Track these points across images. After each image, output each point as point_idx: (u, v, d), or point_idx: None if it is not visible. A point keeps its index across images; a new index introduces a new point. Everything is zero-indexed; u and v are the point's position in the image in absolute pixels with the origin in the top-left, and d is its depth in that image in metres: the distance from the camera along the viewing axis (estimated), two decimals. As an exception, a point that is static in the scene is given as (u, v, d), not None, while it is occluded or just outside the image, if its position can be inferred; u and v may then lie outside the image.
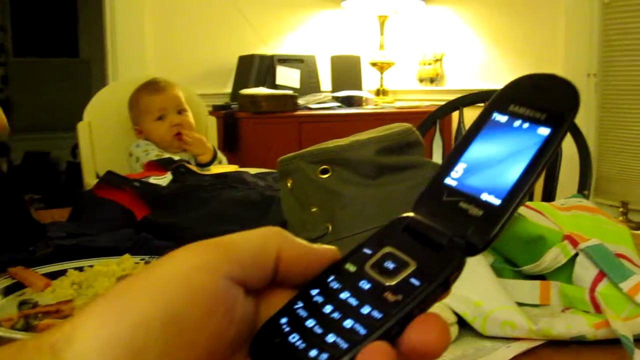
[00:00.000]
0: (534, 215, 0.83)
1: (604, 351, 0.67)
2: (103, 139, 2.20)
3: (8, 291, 0.85)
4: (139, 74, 2.94)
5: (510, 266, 0.79)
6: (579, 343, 0.68)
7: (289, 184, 0.85)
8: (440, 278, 0.30)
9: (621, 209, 2.76)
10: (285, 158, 0.85)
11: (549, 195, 1.74)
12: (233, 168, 1.59)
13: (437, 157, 2.09)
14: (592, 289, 0.73)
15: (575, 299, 0.74)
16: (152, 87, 2.10)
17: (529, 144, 0.32)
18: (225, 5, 3.34)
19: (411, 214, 0.34)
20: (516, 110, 0.33)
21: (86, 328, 0.28)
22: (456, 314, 0.69)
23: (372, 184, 0.80)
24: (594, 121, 2.93)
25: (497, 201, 0.31)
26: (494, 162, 0.33)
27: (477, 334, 0.69)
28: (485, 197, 0.32)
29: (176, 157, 1.84)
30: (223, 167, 1.78)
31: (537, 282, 0.77)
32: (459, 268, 0.31)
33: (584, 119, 2.87)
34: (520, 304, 0.72)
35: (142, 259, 0.95)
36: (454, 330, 0.68)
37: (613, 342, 0.66)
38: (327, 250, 0.34)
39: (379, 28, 3.60)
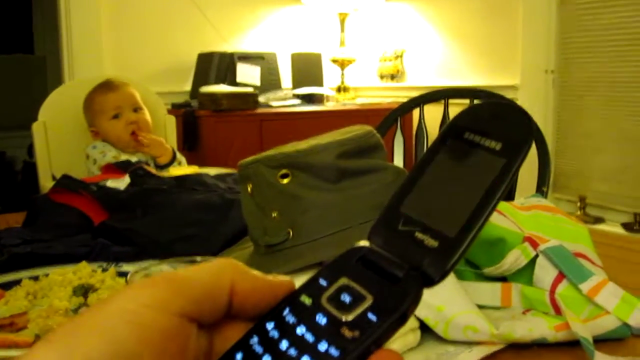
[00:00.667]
0: (495, 215, 0.84)
1: (564, 353, 0.67)
2: (59, 140, 2.15)
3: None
4: (95, 71, 2.89)
5: (471, 268, 0.79)
6: (540, 345, 0.68)
7: (249, 189, 0.84)
8: (397, 313, 0.30)
9: (579, 204, 2.80)
10: (244, 162, 0.84)
11: (508, 194, 1.76)
12: (192, 170, 1.56)
13: (399, 155, 2.10)
14: (552, 291, 0.74)
15: (536, 300, 0.74)
16: (106, 86, 2.06)
17: (485, 174, 0.31)
18: (184, 2, 3.30)
19: (366, 244, 0.33)
20: (471, 138, 0.33)
21: None
22: (418, 318, 0.68)
23: (333, 188, 0.79)
24: (552, 117, 2.97)
25: (452, 232, 0.30)
26: (449, 192, 0.32)
27: (439, 338, 0.69)
28: (440, 227, 0.31)
29: (134, 159, 1.81)
30: (182, 168, 1.75)
31: (499, 284, 0.77)
32: (415, 301, 0.30)
33: (542, 115, 2.91)
34: (481, 307, 0.72)
35: (99, 266, 0.93)
36: (416, 335, 0.68)
37: (573, 344, 0.67)
38: (282, 281, 0.33)
39: (340, 25, 3.60)
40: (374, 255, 0.32)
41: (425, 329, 0.69)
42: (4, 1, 6.58)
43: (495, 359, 0.66)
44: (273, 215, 0.80)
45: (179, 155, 2.08)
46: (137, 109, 2.06)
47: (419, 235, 0.31)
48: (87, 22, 3.03)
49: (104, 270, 0.91)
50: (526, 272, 0.77)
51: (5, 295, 0.82)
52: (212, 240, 0.98)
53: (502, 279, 0.78)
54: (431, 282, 0.30)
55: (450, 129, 0.34)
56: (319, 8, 3.63)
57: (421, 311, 0.68)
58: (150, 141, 2.02)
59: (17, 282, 0.87)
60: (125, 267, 0.93)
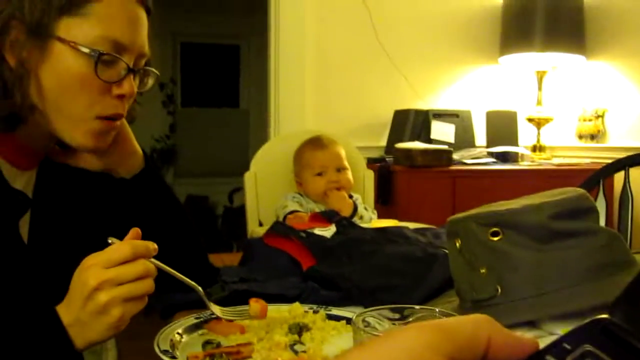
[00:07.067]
0: None
1: None
2: (266, 189, 2.31)
3: (190, 329, 0.93)
4: (298, 125, 3.08)
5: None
6: None
7: (457, 244, 0.87)
8: None
9: None
10: (454, 218, 0.87)
11: None
12: (392, 223, 1.62)
13: (601, 220, 2.01)
14: None
15: None
16: (316, 143, 2.20)
17: None
18: (382, 60, 3.42)
19: (607, 316, 0.35)
20: None
21: None
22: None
23: (543, 248, 0.80)
24: None
25: None
26: None
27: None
28: None
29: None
30: (383, 221, 1.81)
31: None
32: None
33: None
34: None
35: (310, 308, 1.00)
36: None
37: None
38: (529, 341, 0.36)
39: (537, 83, 3.54)
40: (616, 328, 0.34)
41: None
42: (216, 60, 7.20)
43: None
44: (481, 271, 0.82)
45: (361, 209, 2.13)
46: (340, 169, 2.16)
47: None
48: (293, 79, 3.25)
49: (315, 312, 0.98)
50: None
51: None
52: (416, 291, 1.02)
53: None
54: None
55: None
56: (516, 67, 3.61)
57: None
58: (333, 195, 2.12)
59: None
60: (334, 311, 0.99)
